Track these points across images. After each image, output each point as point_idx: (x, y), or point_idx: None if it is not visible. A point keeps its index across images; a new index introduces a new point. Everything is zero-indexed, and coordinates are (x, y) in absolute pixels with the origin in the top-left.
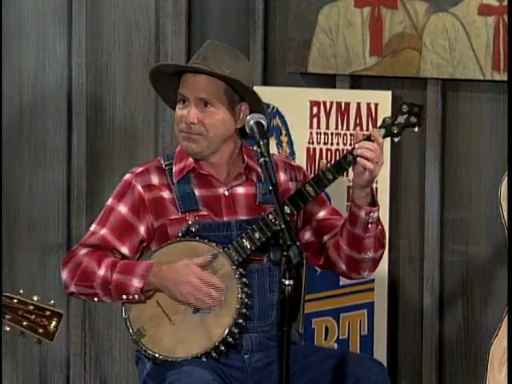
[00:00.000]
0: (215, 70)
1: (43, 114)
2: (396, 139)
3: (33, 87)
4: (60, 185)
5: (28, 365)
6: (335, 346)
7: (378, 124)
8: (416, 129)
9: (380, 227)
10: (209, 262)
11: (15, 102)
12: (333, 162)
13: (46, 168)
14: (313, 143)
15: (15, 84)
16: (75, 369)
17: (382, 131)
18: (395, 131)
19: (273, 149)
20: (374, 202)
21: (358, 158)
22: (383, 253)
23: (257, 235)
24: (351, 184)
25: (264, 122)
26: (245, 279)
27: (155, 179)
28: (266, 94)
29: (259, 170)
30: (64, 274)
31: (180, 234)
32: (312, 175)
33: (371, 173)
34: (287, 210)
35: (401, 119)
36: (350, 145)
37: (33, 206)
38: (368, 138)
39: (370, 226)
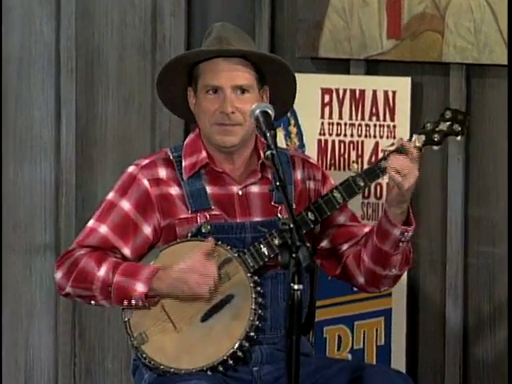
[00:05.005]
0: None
1: (29, 102)
2: (436, 147)
3: (17, 72)
4: (47, 180)
5: (12, 377)
6: (349, 356)
7: (398, 120)
8: (459, 138)
9: (409, 244)
10: (221, 260)
11: None
12: (364, 167)
13: (31, 162)
14: (324, 134)
15: None
16: (64, 381)
17: (422, 138)
18: (436, 139)
19: (281, 141)
20: (408, 220)
21: (388, 170)
22: (407, 269)
23: (276, 241)
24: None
25: (271, 112)
26: (259, 288)
27: (163, 173)
28: None
29: None
30: (58, 275)
31: (190, 235)
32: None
33: (400, 187)
34: (311, 216)
35: (443, 126)
36: (366, 136)
37: (17, 203)
38: (400, 150)
39: (401, 244)
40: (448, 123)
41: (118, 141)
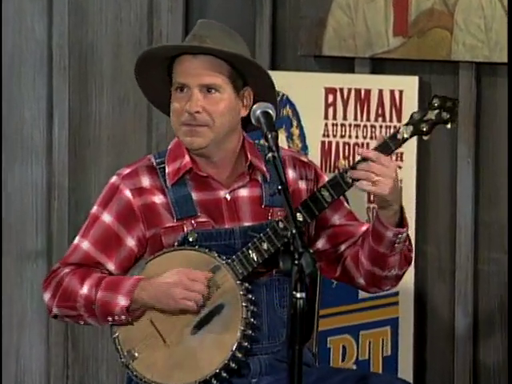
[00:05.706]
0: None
1: (19, 101)
2: (425, 137)
3: (9, 71)
4: (39, 183)
5: None
6: (354, 368)
7: (405, 121)
8: (449, 126)
9: (407, 243)
10: (209, 270)
11: None
12: (352, 163)
13: (22, 164)
14: (328, 136)
15: None
16: None
17: (410, 129)
18: (424, 129)
19: (282, 142)
20: (402, 221)
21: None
22: (408, 268)
23: (265, 246)
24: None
25: (272, 112)
26: (251, 295)
27: (146, 181)
28: (274, 79)
29: (264, 168)
30: (46, 296)
31: (176, 244)
32: (326, 172)
33: (376, 194)
34: (299, 217)
35: (431, 115)
36: (371, 138)
37: (8, 207)
38: (361, 160)
39: (396, 245)
40: (436, 111)
41: (113, 142)
